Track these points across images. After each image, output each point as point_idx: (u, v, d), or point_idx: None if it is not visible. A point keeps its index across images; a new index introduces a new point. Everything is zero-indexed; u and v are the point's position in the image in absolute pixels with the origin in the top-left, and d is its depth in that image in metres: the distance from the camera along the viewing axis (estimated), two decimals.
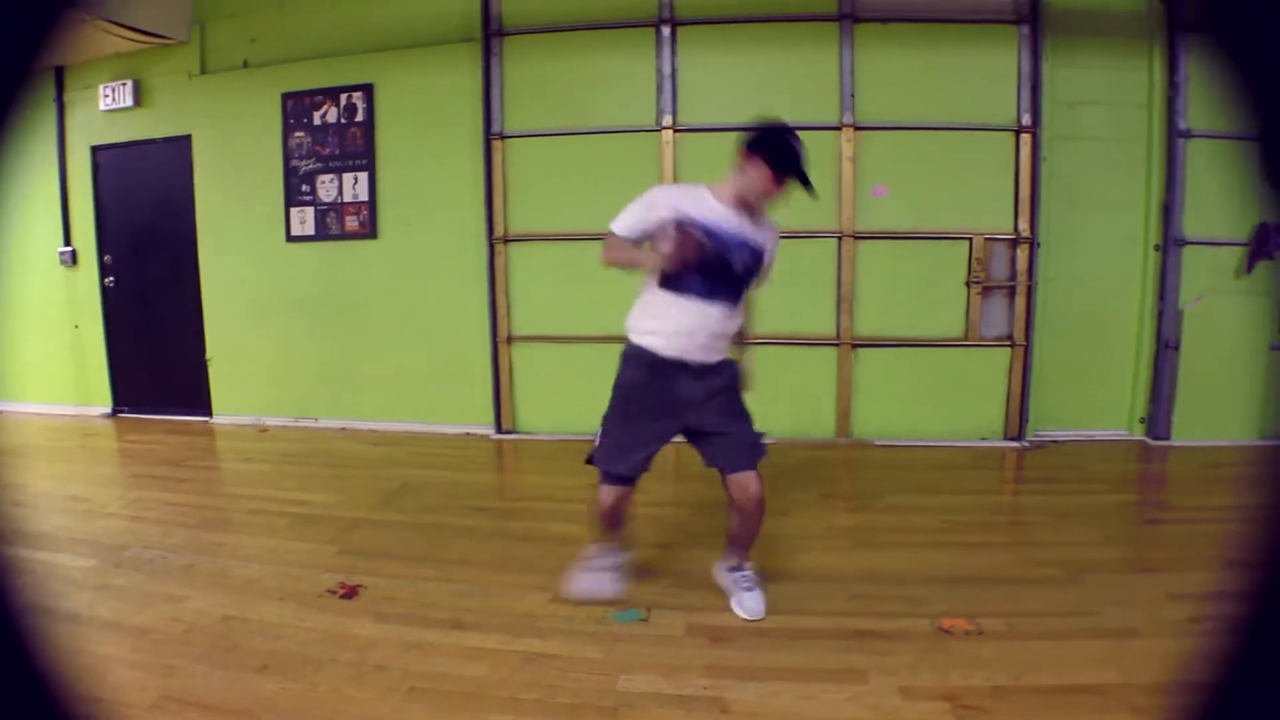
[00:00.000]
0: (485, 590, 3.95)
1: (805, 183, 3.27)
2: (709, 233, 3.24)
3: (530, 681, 3.12)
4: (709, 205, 3.34)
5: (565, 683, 3.12)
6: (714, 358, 3.43)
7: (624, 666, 3.20)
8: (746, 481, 3.46)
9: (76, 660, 3.30)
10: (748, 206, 3.34)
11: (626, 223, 3.36)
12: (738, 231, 3.32)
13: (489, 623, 3.62)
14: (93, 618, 3.78)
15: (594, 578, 3.75)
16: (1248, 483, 5.47)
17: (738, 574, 3.72)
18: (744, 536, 3.65)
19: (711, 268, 3.27)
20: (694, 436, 3.55)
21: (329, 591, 4.00)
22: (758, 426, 3.53)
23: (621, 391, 3.52)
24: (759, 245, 3.39)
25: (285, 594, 3.99)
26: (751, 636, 3.44)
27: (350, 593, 3.98)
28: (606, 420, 3.55)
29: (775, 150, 3.23)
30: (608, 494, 3.58)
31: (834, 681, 3.06)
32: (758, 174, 3.24)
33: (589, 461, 3.60)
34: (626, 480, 3.57)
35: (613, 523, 3.71)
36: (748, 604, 3.61)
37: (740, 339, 3.61)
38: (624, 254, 3.33)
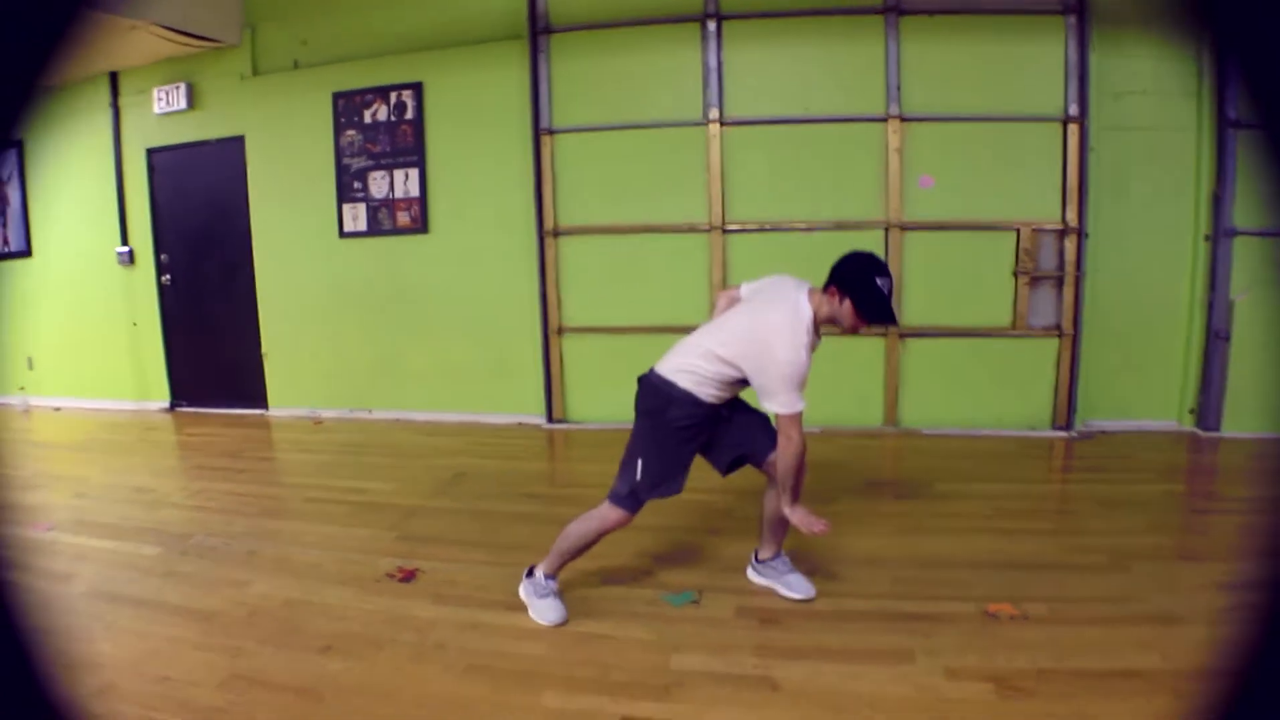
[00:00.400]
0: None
1: (891, 322, 3.37)
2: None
3: (585, 660, 3.20)
4: (808, 343, 3.29)
5: (619, 661, 3.19)
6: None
7: (676, 646, 3.27)
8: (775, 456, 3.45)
9: (136, 645, 3.46)
10: (827, 323, 3.34)
11: (801, 398, 3.25)
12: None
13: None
14: (161, 603, 3.92)
15: (551, 603, 3.55)
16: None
17: (777, 560, 3.78)
18: (783, 524, 3.67)
19: None
20: (709, 448, 3.63)
21: (388, 575, 4.11)
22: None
23: (667, 428, 3.44)
24: None
25: (346, 578, 4.11)
26: (800, 618, 3.50)
27: (409, 576, 4.09)
28: (643, 453, 3.47)
29: (865, 296, 3.20)
30: (623, 521, 3.51)
31: (880, 662, 3.11)
32: (846, 312, 3.24)
33: (635, 497, 3.48)
34: (639, 508, 3.53)
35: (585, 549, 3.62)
36: (797, 585, 3.67)
37: None
38: (796, 479, 3.41)
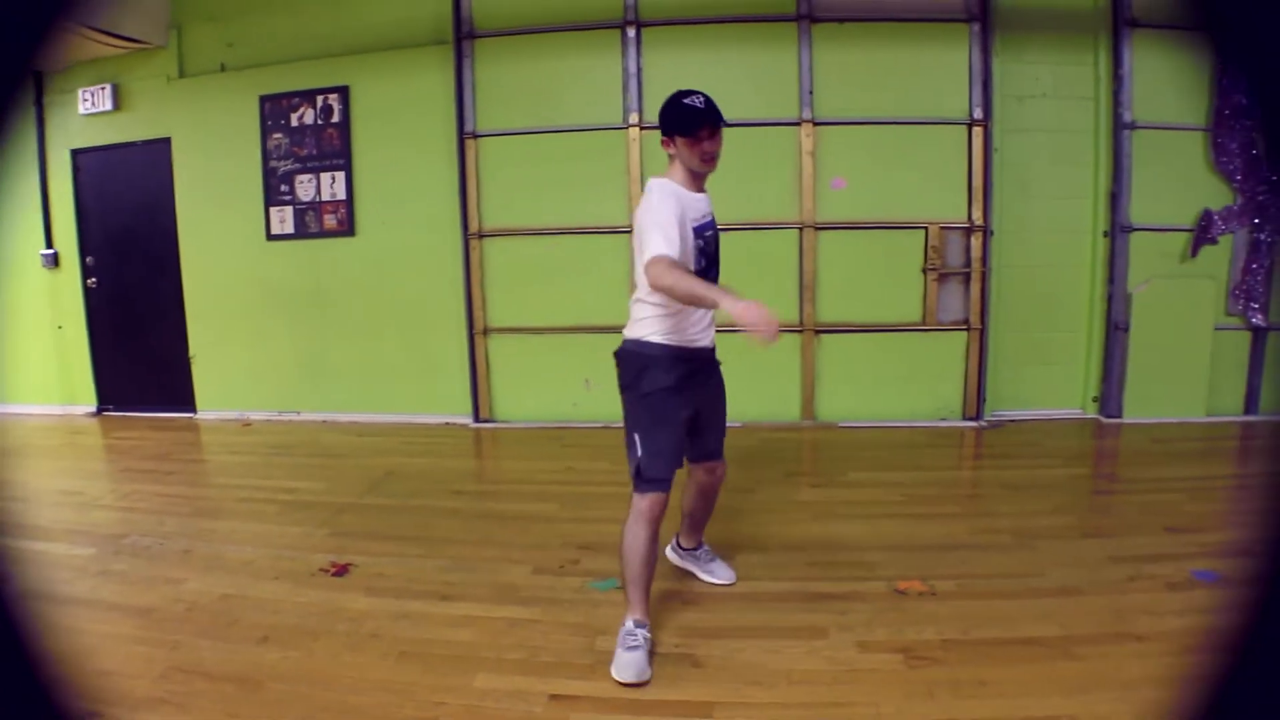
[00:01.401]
0: (470, 565, 4.17)
1: (715, 121, 3.11)
2: (702, 229, 3.19)
3: (515, 644, 3.35)
4: (689, 201, 3.16)
5: (547, 644, 3.36)
6: (711, 340, 3.38)
7: (601, 629, 3.42)
8: (719, 466, 3.67)
9: (74, 642, 3.52)
10: (698, 181, 3.24)
11: (668, 242, 2.98)
12: (707, 214, 3.26)
13: (474, 593, 3.85)
14: (97, 600, 3.99)
15: (634, 658, 3.08)
16: (1195, 456, 5.79)
17: (699, 550, 3.94)
18: (705, 515, 3.84)
19: (710, 258, 3.25)
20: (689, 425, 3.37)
21: (321, 570, 4.21)
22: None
23: (647, 397, 3.24)
24: (711, 216, 3.31)
25: (280, 573, 4.21)
26: (719, 600, 3.69)
27: (341, 571, 4.19)
28: (635, 427, 3.26)
29: (675, 116, 3.13)
30: (657, 504, 3.22)
31: (796, 638, 3.31)
32: (680, 147, 3.14)
33: (642, 477, 3.23)
34: (667, 484, 3.27)
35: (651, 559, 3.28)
36: (720, 572, 3.87)
37: None
38: (691, 287, 2.88)
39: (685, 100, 3.12)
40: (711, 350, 3.42)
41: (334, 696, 3.04)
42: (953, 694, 2.87)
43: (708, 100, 3.13)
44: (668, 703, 2.90)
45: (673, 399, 3.22)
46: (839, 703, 2.85)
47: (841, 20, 6.61)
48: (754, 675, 3.04)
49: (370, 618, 3.66)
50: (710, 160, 3.18)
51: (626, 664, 3.04)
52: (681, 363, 3.23)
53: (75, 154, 8.32)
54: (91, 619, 3.78)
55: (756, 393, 6.77)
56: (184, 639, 3.54)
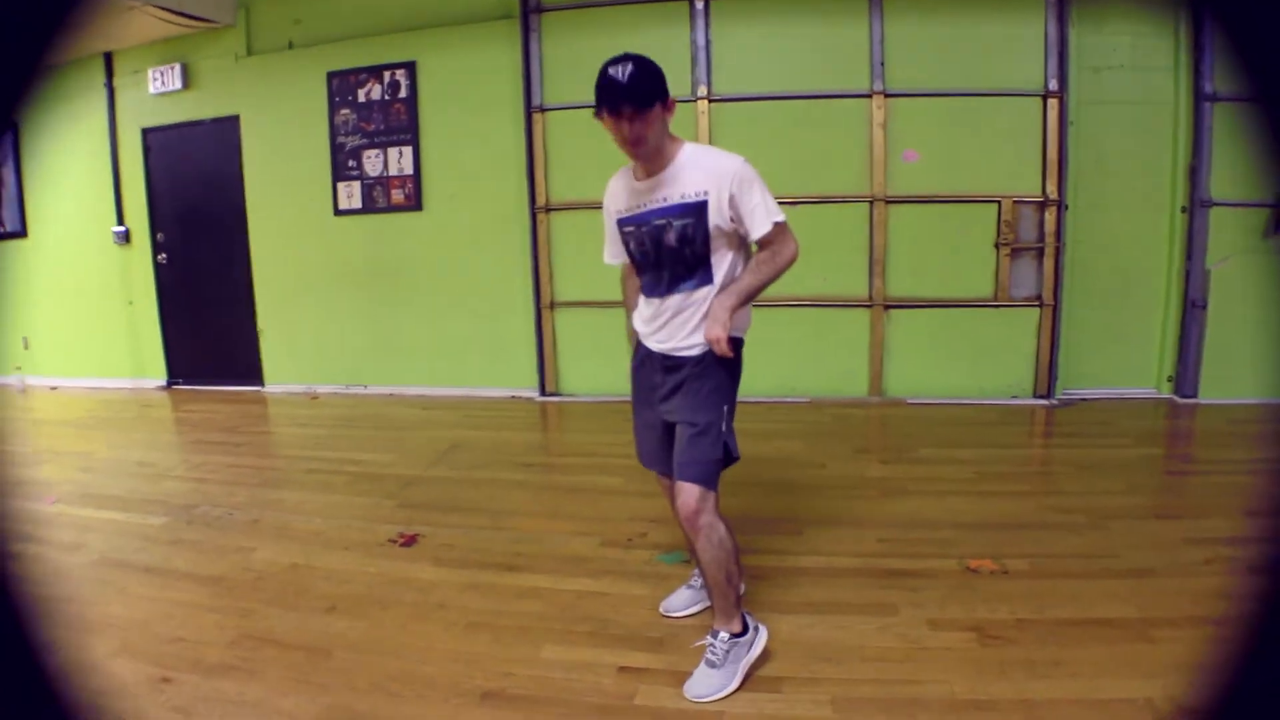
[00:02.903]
0: (537, 537, 4.16)
1: (613, 104, 2.61)
2: (626, 222, 2.89)
3: (583, 616, 3.34)
4: (623, 190, 2.92)
5: (616, 616, 3.33)
6: (680, 344, 2.89)
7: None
8: (677, 489, 2.86)
9: (148, 609, 3.58)
10: (653, 165, 2.78)
11: (610, 250, 3.07)
12: (653, 202, 2.80)
13: (542, 565, 3.84)
14: (169, 569, 4.04)
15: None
16: (1268, 438, 5.63)
17: (707, 640, 2.96)
18: (705, 580, 3.00)
19: (646, 255, 2.89)
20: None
21: (389, 541, 4.24)
22: (723, 419, 2.87)
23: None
24: (689, 199, 2.74)
25: (348, 544, 4.24)
26: (788, 575, 3.63)
27: (409, 541, 4.22)
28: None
29: (598, 96, 2.65)
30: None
31: (866, 614, 3.25)
32: (607, 125, 2.72)
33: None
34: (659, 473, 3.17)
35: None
36: (694, 685, 2.86)
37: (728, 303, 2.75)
38: (627, 298, 3.15)
39: (607, 69, 2.64)
40: (663, 358, 2.94)
41: (402, 665, 3.05)
42: (1027, 673, 2.80)
43: (633, 72, 2.61)
44: None
45: (633, 384, 3.15)
46: (910, 680, 2.80)
47: None
48: (824, 651, 3.00)
49: (438, 588, 3.68)
50: (627, 146, 2.70)
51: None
52: (639, 354, 3.10)
53: (146, 132, 8.47)
54: (164, 586, 3.85)
55: (824, 368, 6.78)
56: (254, 607, 3.59)
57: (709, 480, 2.82)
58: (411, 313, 7.69)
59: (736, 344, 2.85)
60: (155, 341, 8.74)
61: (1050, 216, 6.51)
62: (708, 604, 3.21)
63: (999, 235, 6.55)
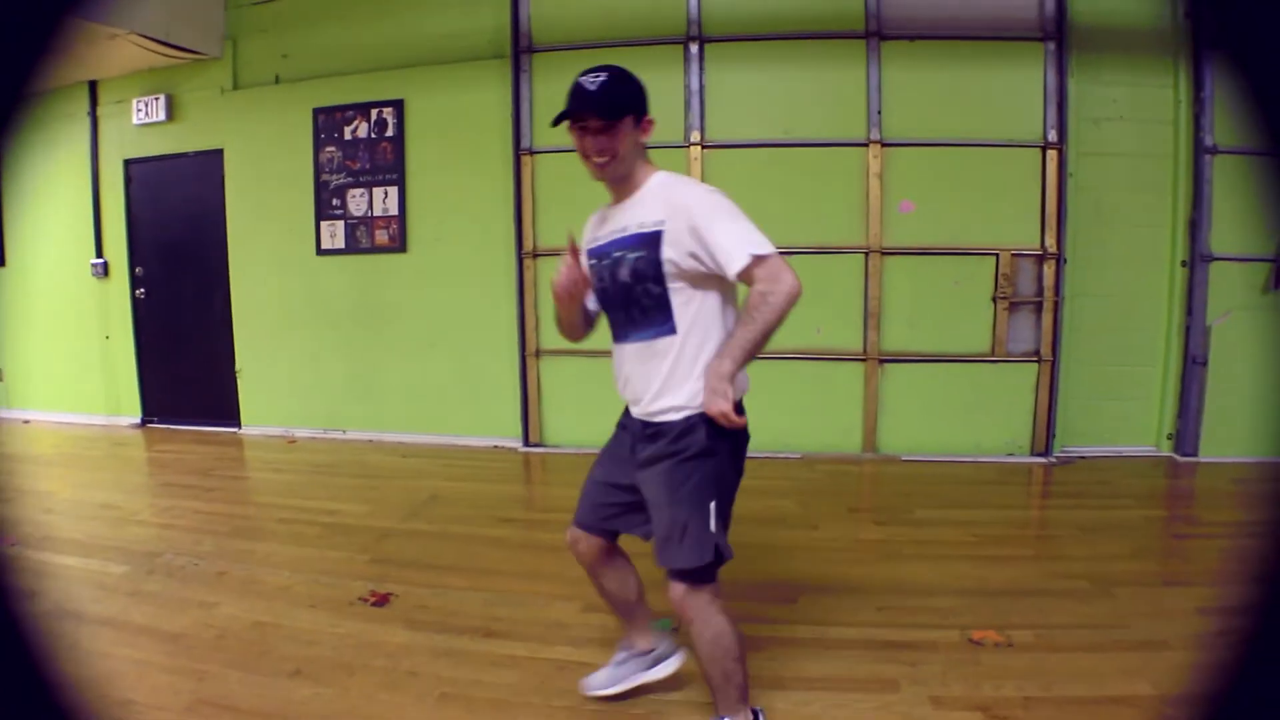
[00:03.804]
0: (516, 600, 4.00)
1: (578, 111, 2.48)
2: (590, 255, 2.68)
3: (562, 689, 3.16)
4: (595, 219, 2.77)
5: None
6: (650, 407, 2.58)
7: None
8: (670, 584, 2.58)
9: (99, 666, 3.40)
10: (621, 191, 2.61)
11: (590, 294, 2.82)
12: (614, 233, 2.58)
13: (520, 631, 3.67)
14: (126, 622, 3.88)
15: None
16: (1264, 499, 5.50)
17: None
18: (701, 671, 2.71)
19: (606, 293, 2.66)
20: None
21: (360, 599, 4.08)
22: (709, 517, 2.49)
23: None
24: (646, 229, 2.48)
25: (317, 601, 4.07)
26: (783, 647, 3.46)
27: (381, 601, 4.06)
28: None
29: (566, 103, 2.51)
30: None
31: (865, 691, 3.10)
32: (575, 142, 2.57)
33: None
34: (580, 525, 2.94)
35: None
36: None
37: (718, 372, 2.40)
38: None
39: (580, 76, 2.52)
40: (642, 425, 2.64)
41: None
42: None
43: (605, 81, 2.49)
44: None
45: (612, 437, 2.86)
46: None
47: (912, 38, 6.43)
48: None
49: (409, 654, 3.52)
50: (590, 161, 2.54)
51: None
52: (625, 413, 2.80)
53: (128, 164, 8.38)
54: (119, 642, 3.69)
55: (817, 423, 6.67)
56: (213, 669, 3.43)
57: (697, 579, 2.51)
58: (393, 357, 7.55)
59: (736, 410, 2.42)
60: (131, 378, 8.57)
61: (1049, 270, 6.40)
62: (632, 683, 3.04)
63: (997, 289, 6.44)
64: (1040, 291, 6.45)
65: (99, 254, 8.49)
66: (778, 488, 5.90)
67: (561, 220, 6.76)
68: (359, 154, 7.33)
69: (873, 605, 3.87)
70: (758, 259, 2.30)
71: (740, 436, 2.56)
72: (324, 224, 7.58)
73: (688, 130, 6.66)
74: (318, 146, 7.51)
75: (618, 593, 3.01)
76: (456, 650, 3.52)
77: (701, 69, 6.63)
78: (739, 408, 2.49)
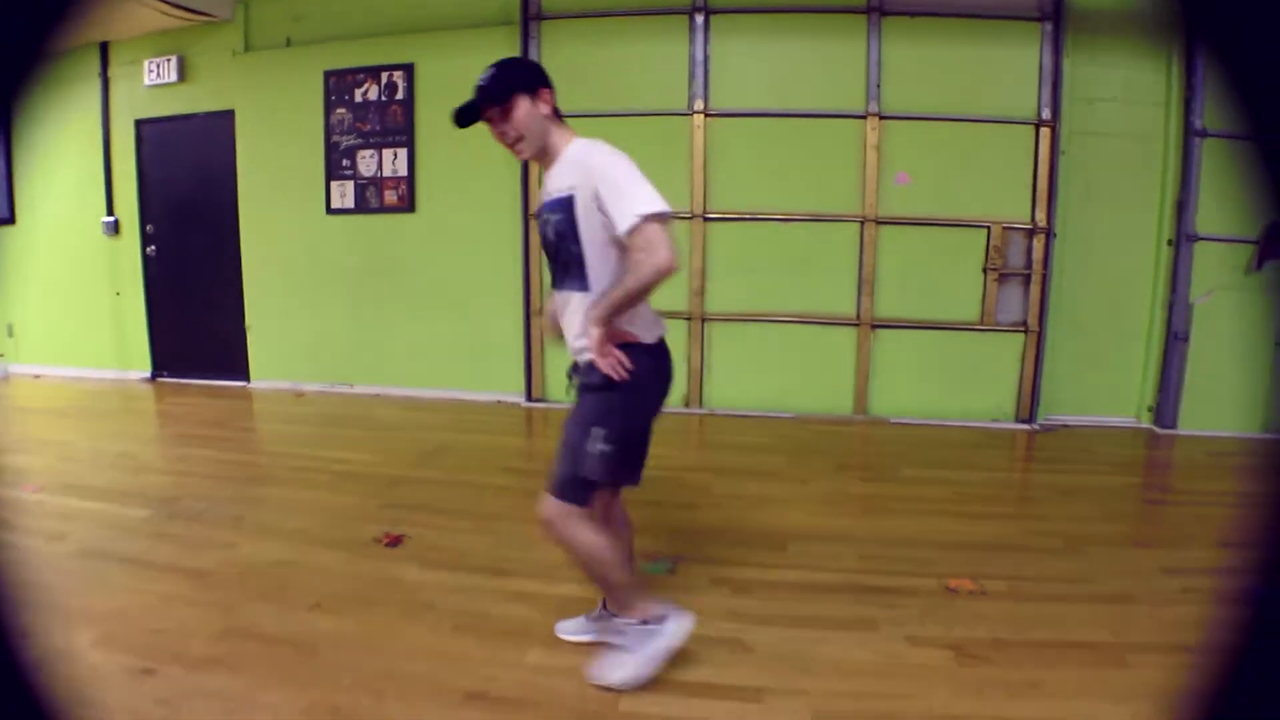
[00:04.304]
0: (523, 542, 4.14)
1: (479, 100, 2.77)
2: (536, 215, 2.89)
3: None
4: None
5: None
6: (573, 345, 2.83)
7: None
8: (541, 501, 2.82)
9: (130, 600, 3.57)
10: (546, 160, 2.86)
11: None
12: (545, 196, 2.82)
13: (528, 570, 3.83)
14: (151, 561, 4.02)
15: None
16: (1248, 472, 5.68)
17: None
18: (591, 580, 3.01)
19: (544, 248, 2.88)
20: None
21: (374, 541, 4.23)
22: (592, 441, 2.70)
23: None
24: (561, 193, 2.71)
25: (333, 542, 4.23)
26: (769, 589, 3.66)
27: (395, 542, 4.21)
28: None
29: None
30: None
31: (846, 629, 3.28)
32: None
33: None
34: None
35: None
36: (600, 669, 2.95)
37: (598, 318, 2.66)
38: None
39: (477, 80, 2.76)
40: (574, 363, 2.93)
41: (388, 664, 3.05)
42: (1003, 693, 2.83)
43: (491, 73, 2.78)
44: (718, 686, 2.88)
45: None
46: (889, 694, 2.83)
47: (912, 14, 6.57)
48: (804, 664, 3.02)
49: (424, 589, 3.67)
50: (510, 148, 2.83)
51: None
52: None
53: (139, 124, 8.46)
54: (146, 579, 3.83)
55: (809, 385, 6.85)
56: (238, 602, 3.57)
57: (563, 493, 2.74)
58: (400, 314, 7.70)
59: (638, 352, 2.70)
60: (141, 333, 8.70)
61: (1038, 244, 6.57)
62: (596, 638, 3.13)
63: (987, 260, 6.61)
64: (1029, 264, 6.62)
65: (110, 212, 8.60)
66: (770, 445, 6.10)
67: None
68: (369, 116, 7.45)
69: (856, 554, 4.04)
70: (643, 221, 2.46)
71: (642, 376, 2.71)
72: (334, 184, 7.70)
73: (691, 99, 6.81)
74: (328, 108, 7.63)
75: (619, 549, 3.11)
76: (468, 586, 3.66)
77: (706, 39, 6.76)
78: (639, 351, 2.71)
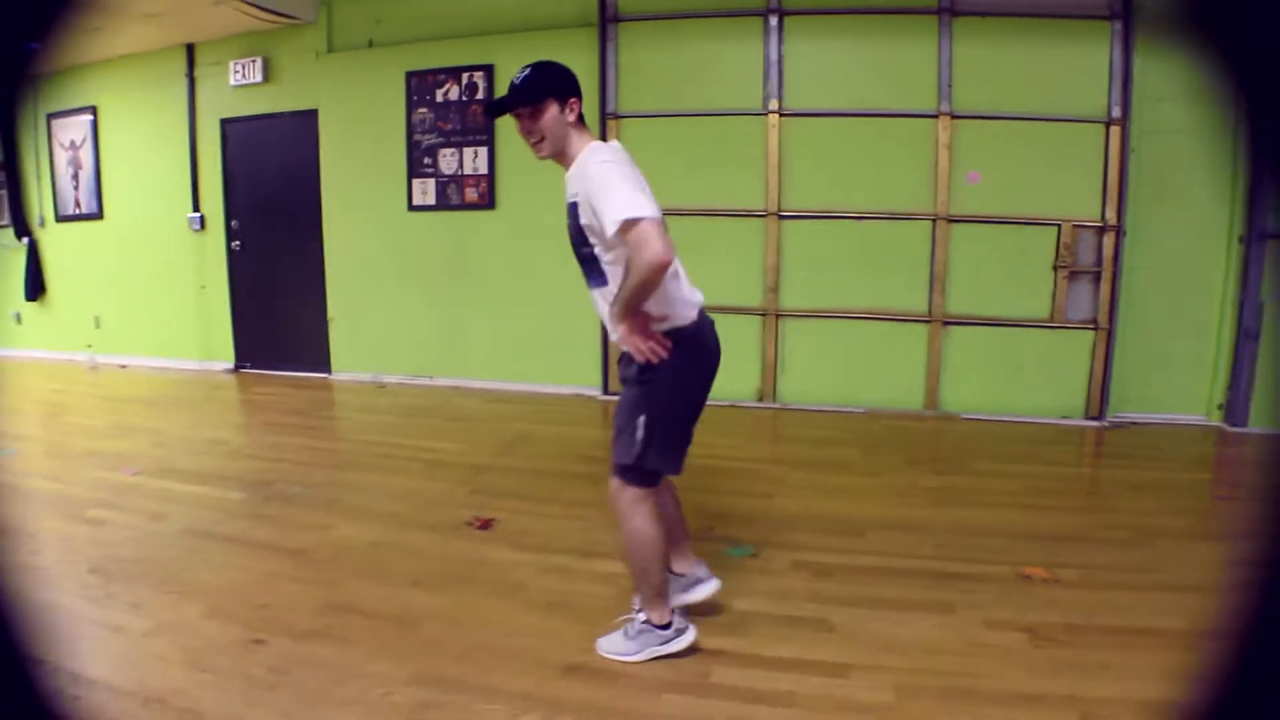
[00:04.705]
0: (609, 526, 4.21)
1: (511, 98, 2.89)
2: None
3: None
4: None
5: None
6: (613, 337, 2.93)
7: (738, 591, 3.54)
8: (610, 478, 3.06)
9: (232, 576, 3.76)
10: (564, 165, 2.97)
11: None
12: (568, 195, 2.95)
13: (615, 552, 3.87)
14: (251, 540, 4.26)
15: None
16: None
17: (633, 608, 3.20)
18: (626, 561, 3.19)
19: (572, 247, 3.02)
20: None
21: (466, 524, 4.42)
22: (637, 429, 2.89)
23: None
24: (570, 199, 2.91)
25: (425, 525, 4.43)
26: (850, 573, 3.79)
27: (485, 525, 4.40)
28: None
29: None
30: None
31: (925, 611, 3.42)
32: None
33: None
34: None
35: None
36: (606, 640, 3.18)
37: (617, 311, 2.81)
38: None
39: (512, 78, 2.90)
40: (621, 352, 3.03)
41: (487, 638, 3.21)
42: (1077, 674, 2.92)
43: (528, 74, 2.89)
44: (805, 662, 3.01)
45: None
46: (967, 672, 2.94)
47: (983, 14, 6.62)
48: (886, 642, 3.14)
49: (516, 569, 3.84)
50: (528, 142, 2.96)
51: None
52: None
53: (224, 123, 8.76)
54: (248, 556, 4.06)
55: (881, 380, 6.95)
56: (338, 579, 3.78)
57: (625, 475, 2.96)
58: (480, 308, 7.89)
59: (674, 337, 2.84)
60: (225, 325, 9.02)
61: (1108, 241, 6.61)
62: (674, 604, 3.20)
63: (1058, 258, 6.67)
64: (1099, 262, 6.66)
65: (195, 208, 8.92)
66: (843, 438, 6.21)
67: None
68: (450, 115, 7.65)
69: (931, 542, 4.16)
70: (627, 225, 2.57)
71: (678, 362, 2.86)
72: (415, 181, 7.92)
73: (766, 99, 6.92)
74: (410, 108, 7.84)
75: (668, 515, 3.29)
76: (559, 567, 3.84)
77: (780, 40, 6.87)
78: (675, 336, 2.86)
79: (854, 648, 3.11)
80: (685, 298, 2.92)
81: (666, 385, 2.89)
